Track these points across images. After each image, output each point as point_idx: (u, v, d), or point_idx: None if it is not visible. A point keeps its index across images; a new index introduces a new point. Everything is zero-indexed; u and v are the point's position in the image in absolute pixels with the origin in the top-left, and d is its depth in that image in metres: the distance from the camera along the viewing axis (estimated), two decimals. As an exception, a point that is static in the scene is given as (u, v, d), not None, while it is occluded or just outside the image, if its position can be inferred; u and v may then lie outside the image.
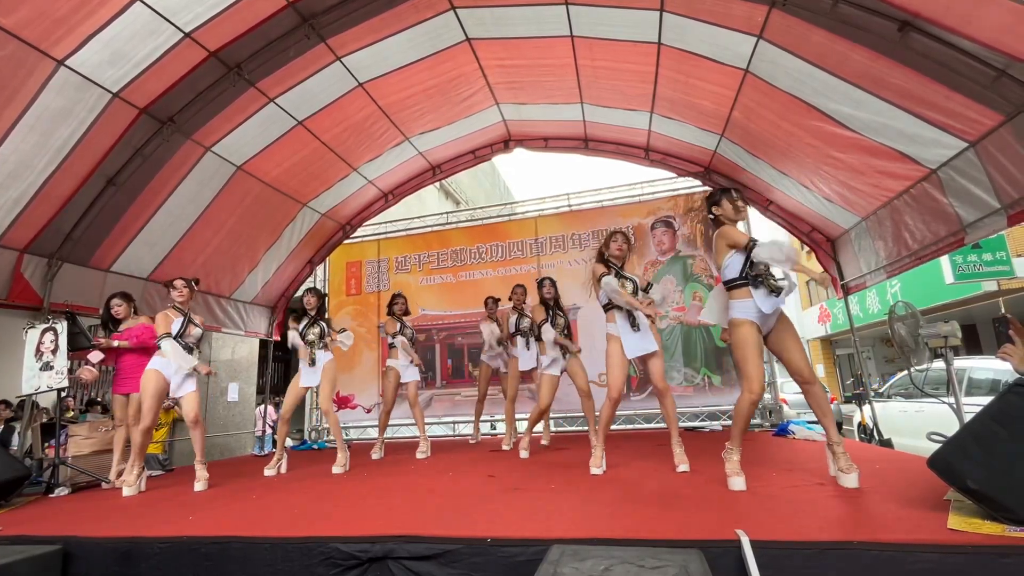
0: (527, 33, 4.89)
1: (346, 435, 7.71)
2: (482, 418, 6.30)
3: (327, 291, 8.24)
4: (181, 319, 4.08)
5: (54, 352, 4.13)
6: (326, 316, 4.69)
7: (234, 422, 8.71)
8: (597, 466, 3.46)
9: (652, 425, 6.57)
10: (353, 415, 7.65)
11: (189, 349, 4.03)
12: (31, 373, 4.14)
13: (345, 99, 5.37)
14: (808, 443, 4.63)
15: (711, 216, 3.07)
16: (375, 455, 5.16)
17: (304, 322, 4.53)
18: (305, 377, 4.45)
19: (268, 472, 4.40)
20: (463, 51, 5.25)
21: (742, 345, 2.74)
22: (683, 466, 3.36)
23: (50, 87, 3.75)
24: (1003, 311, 10.33)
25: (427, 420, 7.36)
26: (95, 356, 4.21)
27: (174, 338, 3.97)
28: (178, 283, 4.15)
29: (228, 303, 6.69)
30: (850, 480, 2.61)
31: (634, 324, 3.40)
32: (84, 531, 2.56)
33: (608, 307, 3.54)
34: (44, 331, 4.20)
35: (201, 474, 3.91)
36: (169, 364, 3.93)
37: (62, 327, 4.17)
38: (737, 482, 2.70)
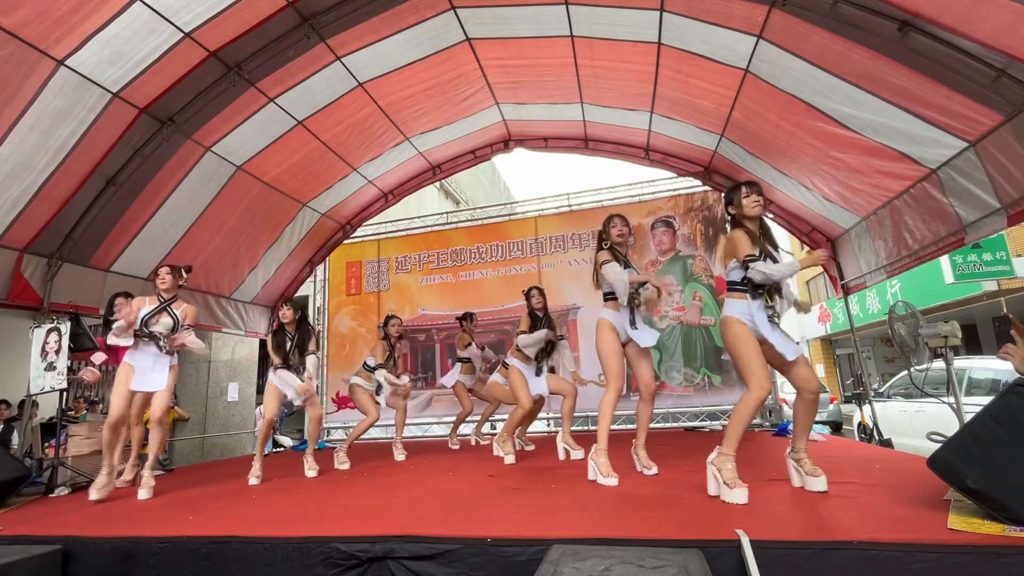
0: (527, 33, 4.89)
1: (345, 435, 7.69)
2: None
3: (327, 291, 8.25)
4: (155, 305, 3.78)
5: (57, 352, 4.14)
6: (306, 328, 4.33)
7: (234, 422, 8.69)
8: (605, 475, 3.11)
9: (652, 425, 6.51)
10: (352, 415, 7.64)
11: (155, 338, 3.69)
12: (37, 373, 4.16)
13: (345, 99, 5.37)
14: (808, 443, 4.62)
15: (729, 216, 2.87)
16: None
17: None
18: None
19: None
20: (463, 51, 5.25)
21: (735, 342, 2.62)
22: (652, 470, 3.26)
23: (50, 87, 3.75)
24: (1004, 311, 10.33)
25: (428, 420, 7.41)
26: (98, 357, 4.21)
27: (141, 324, 3.67)
28: (161, 271, 3.86)
29: (228, 303, 6.69)
30: (819, 484, 2.55)
31: (633, 322, 3.27)
32: (84, 531, 2.56)
33: (609, 296, 3.34)
34: (49, 331, 4.21)
35: (148, 482, 3.62)
36: (139, 357, 3.64)
37: (66, 327, 4.17)
38: (738, 494, 2.41)
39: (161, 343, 3.73)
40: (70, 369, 4.20)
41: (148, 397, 4.23)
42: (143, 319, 3.70)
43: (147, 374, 3.68)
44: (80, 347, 4.22)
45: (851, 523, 2.03)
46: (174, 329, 3.79)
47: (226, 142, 5.14)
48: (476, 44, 5.18)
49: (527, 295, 4.58)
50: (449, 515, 2.49)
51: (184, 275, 3.99)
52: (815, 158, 4.68)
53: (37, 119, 3.85)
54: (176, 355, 3.84)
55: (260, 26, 4.27)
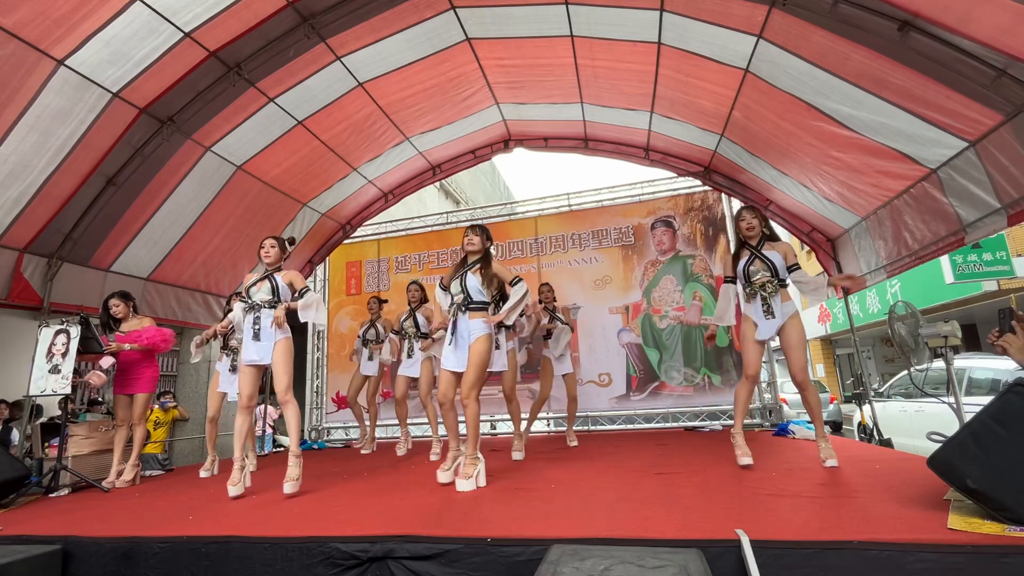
0: (527, 33, 4.89)
1: (346, 435, 7.71)
2: (481, 417, 6.24)
3: (327, 291, 8.24)
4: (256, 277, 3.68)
5: (64, 355, 4.09)
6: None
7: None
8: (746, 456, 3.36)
9: (652, 425, 6.57)
10: (350, 415, 7.63)
11: (254, 308, 3.54)
12: (39, 374, 4.11)
13: (345, 99, 5.37)
14: (808, 443, 4.62)
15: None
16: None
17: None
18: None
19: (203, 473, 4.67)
20: (463, 51, 5.24)
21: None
22: (831, 461, 3.23)
23: (50, 87, 3.75)
24: (1013, 305, 10.32)
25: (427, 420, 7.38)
26: (106, 361, 4.17)
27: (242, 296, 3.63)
28: (266, 243, 3.69)
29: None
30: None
31: (768, 311, 3.38)
32: (84, 531, 2.56)
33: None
34: (57, 332, 4.16)
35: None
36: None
37: (76, 331, 4.11)
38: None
39: (261, 314, 3.53)
40: (76, 372, 4.15)
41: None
42: (246, 288, 3.61)
43: (249, 345, 3.51)
44: (88, 350, 4.18)
45: (851, 523, 2.03)
46: (274, 293, 3.59)
47: (226, 142, 5.14)
48: (476, 44, 5.18)
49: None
50: (449, 515, 2.49)
51: (288, 248, 3.85)
52: (815, 158, 4.68)
53: (37, 119, 3.85)
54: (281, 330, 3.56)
55: (260, 26, 4.27)
